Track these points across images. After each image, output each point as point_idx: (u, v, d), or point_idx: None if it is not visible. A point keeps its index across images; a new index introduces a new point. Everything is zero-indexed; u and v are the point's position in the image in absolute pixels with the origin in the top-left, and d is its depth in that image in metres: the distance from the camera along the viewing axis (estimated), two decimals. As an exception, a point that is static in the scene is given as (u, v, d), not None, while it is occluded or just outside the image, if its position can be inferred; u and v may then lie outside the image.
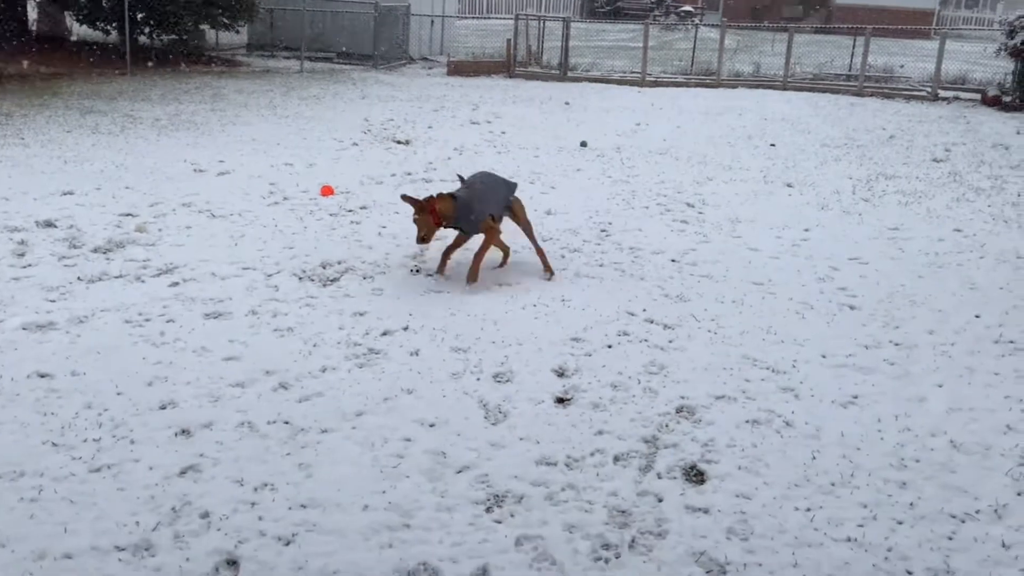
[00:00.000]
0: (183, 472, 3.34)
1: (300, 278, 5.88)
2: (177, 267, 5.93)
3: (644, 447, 3.74)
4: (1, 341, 4.52)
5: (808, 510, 3.32)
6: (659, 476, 3.51)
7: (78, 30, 21.29)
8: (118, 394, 3.96)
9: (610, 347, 4.87)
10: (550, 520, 3.17)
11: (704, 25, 27.72)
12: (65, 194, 7.81)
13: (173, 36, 19.70)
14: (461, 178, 6.30)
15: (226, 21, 19.82)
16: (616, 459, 3.63)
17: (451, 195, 5.88)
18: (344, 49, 22.38)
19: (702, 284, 6.06)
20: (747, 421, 4.00)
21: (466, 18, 34.55)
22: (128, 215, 7.20)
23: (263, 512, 3.10)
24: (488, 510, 3.23)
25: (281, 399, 4.05)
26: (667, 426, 3.94)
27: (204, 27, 20.58)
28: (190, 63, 19.23)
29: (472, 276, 5.86)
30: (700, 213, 8.22)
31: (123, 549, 2.83)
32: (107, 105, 13.46)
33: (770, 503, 3.34)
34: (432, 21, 25.04)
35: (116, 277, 5.68)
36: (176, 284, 5.61)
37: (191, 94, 15.08)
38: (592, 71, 21.71)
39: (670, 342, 4.97)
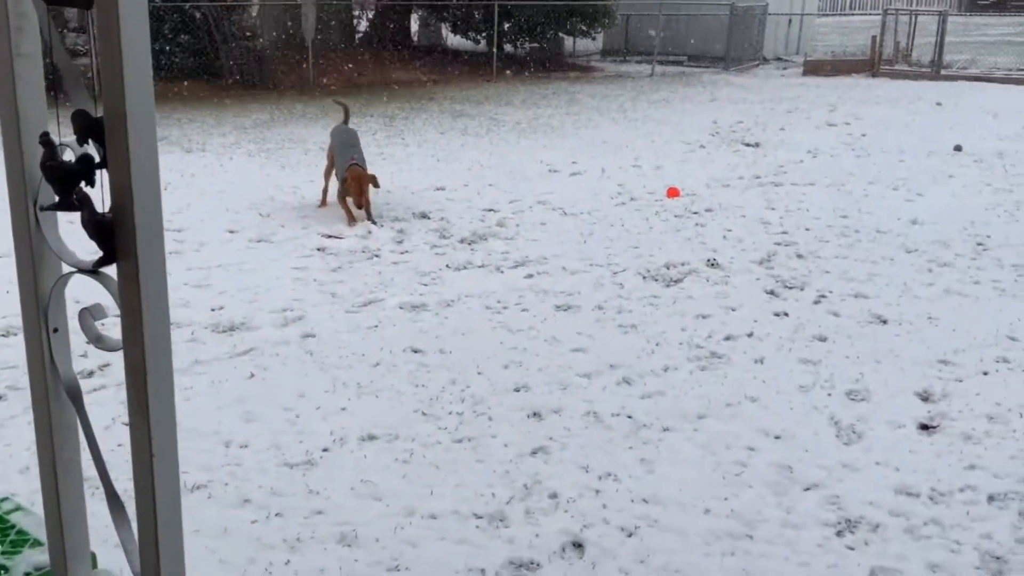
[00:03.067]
0: (534, 452, 3.51)
1: (644, 277, 5.94)
2: (531, 260, 6.28)
3: (1027, 490, 3.29)
4: (383, 317, 5.08)
5: None
6: (1045, 525, 3.07)
7: (452, 40, 23.38)
8: (478, 373, 4.27)
9: (986, 374, 4.36)
10: (910, 555, 2.89)
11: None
12: (438, 189, 8.60)
13: (535, 44, 20.91)
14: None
15: (584, 28, 20.67)
16: (991, 499, 3.23)
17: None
18: (695, 52, 22.32)
19: (1106, 311, 5.21)
20: None
21: (827, 15, 32.86)
22: (490, 210, 7.75)
23: (607, 501, 3.17)
24: (839, 534, 3.03)
25: (624, 393, 4.12)
26: (1057, 469, 3.43)
27: (562, 35, 21.60)
28: (548, 70, 20.28)
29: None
30: (1105, 229, 7.08)
31: (480, 517, 3.04)
32: (475, 109, 14.63)
33: None
34: (790, 20, 24.14)
35: (479, 267, 6.14)
36: (531, 276, 5.93)
37: (548, 99, 15.91)
38: (970, 68, 19.62)
39: (1063, 374, 4.33)
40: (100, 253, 1.29)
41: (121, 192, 1.25)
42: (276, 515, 3.02)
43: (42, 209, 1.41)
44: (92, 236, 1.29)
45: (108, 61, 1.18)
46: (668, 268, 6.13)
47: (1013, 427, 3.77)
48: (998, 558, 2.88)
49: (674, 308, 5.34)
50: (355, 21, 21.93)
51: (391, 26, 21.20)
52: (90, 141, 1.27)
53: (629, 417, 3.86)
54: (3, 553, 1.73)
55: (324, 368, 4.30)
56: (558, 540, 2.93)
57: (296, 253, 6.36)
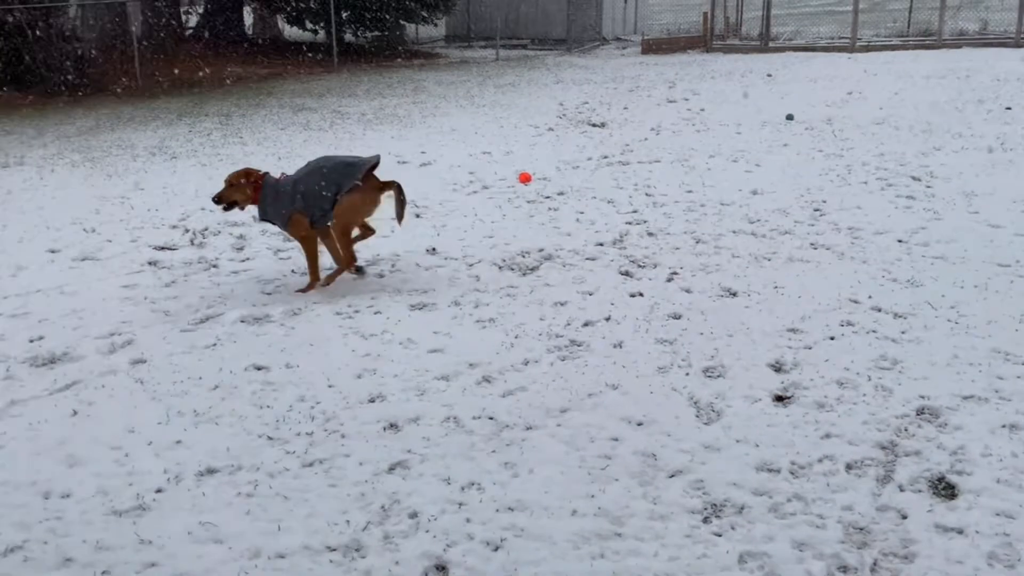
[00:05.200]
0: (392, 468, 3.30)
1: (500, 267, 5.82)
2: (383, 258, 6.04)
3: (881, 454, 3.34)
4: (223, 334, 4.73)
5: (1088, 535, 2.82)
6: (901, 489, 3.11)
7: (289, 31, 22.60)
8: (329, 386, 4.02)
9: (833, 339, 4.45)
10: (776, 535, 2.87)
11: (921, -18, 25.51)
12: (280, 189, 8.20)
13: (376, 33, 20.47)
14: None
15: (425, 15, 20.41)
16: (848, 467, 3.26)
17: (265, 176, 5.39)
18: (537, 35, 22.44)
19: (936, 267, 5.45)
20: (1003, 426, 3.49)
21: (659, -6, 33.76)
22: (336, 208, 7.43)
23: (471, 514, 3.01)
24: (706, 520, 2.98)
25: (484, 393, 3.97)
26: (906, 430, 3.51)
27: (404, 22, 21.25)
28: (392, 58, 19.89)
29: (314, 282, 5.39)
30: (928, 187, 7.46)
31: (334, 549, 2.81)
32: (317, 102, 14.14)
33: (1040, 525, 2.87)
34: (625, 0, 24.61)
35: (328, 269, 5.84)
36: (382, 275, 5.70)
37: (394, 88, 15.58)
38: (796, 39, 20.54)
39: (903, 333, 4.47)
40: None
41: None
42: (103, 574, 2.70)
43: None
44: None
45: None
46: (524, 256, 6.02)
47: (863, 391, 3.85)
48: (861, 529, 2.90)
49: (532, 297, 5.23)
50: (184, 17, 20.86)
51: (223, 20, 20.27)
52: None
53: (491, 418, 3.71)
54: None
55: (157, 397, 3.94)
56: (420, 565, 2.74)
57: (125, 270, 5.89)
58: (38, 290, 5.50)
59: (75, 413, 3.79)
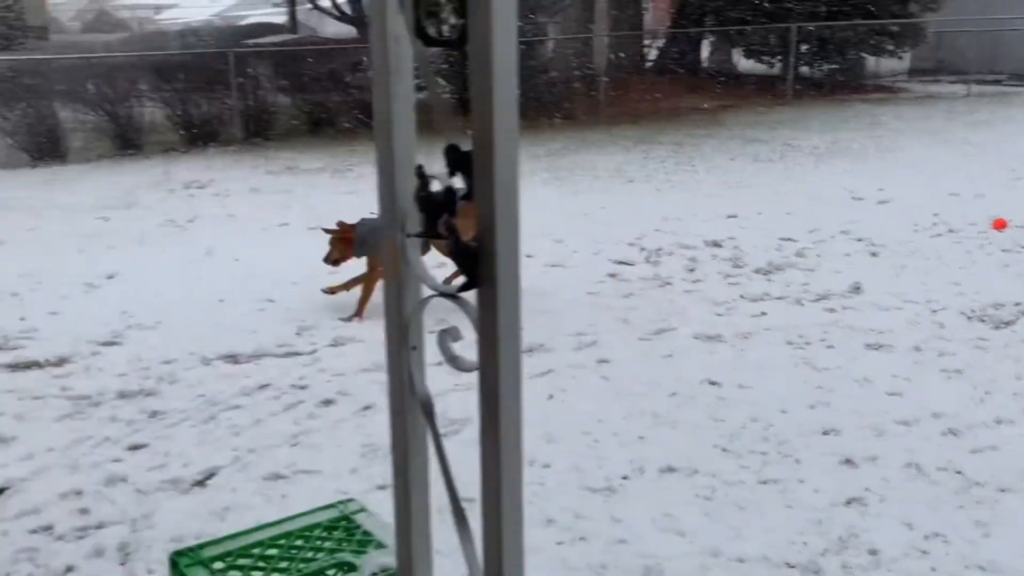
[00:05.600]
0: (849, 502, 3.25)
1: (969, 317, 5.38)
2: (835, 294, 5.90)
3: None
4: (677, 347, 5.00)
5: None
6: None
7: (743, 64, 22.86)
8: (782, 412, 4.05)
9: None
10: None
11: None
12: (729, 217, 8.38)
13: (834, 66, 19.91)
14: None
15: (891, 48, 19.41)
16: None
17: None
18: (1020, 70, 20.12)
19: None
20: None
21: None
22: (787, 239, 7.41)
23: (935, 563, 2.86)
24: None
25: (951, 445, 3.72)
26: None
27: (866, 56, 20.39)
28: (848, 92, 19.20)
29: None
30: None
31: (792, 567, 2.85)
32: (767, 134, 14.15)
33: None
34: None
35: (776, 298, 5.88)
36: (834, 311, 5.58)
37: (848, 122, 15.03)
38: None
39: None
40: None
41: (485, 221, 1.29)
42: (580, 539, 3.03)
43: (408, 236, 1.50)
44: (458, 263, 1.35)
45: (479, 97, 1.22)
46: (996, 308, 5.50)
47: None
48: None
49: (1006, 352, 4.78)
50: (645, 50, 22.14)
51: (682, 53, 21.18)
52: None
53: (958, 472, 3.47)
54: (352, 552, 1.86)
55: (620, 395, 4.30)
56: (882, 602, 2.68)
57: (589, 278, 6.46)
58: (517, 288, 6.26)
59: (551, 397, 4.29)
